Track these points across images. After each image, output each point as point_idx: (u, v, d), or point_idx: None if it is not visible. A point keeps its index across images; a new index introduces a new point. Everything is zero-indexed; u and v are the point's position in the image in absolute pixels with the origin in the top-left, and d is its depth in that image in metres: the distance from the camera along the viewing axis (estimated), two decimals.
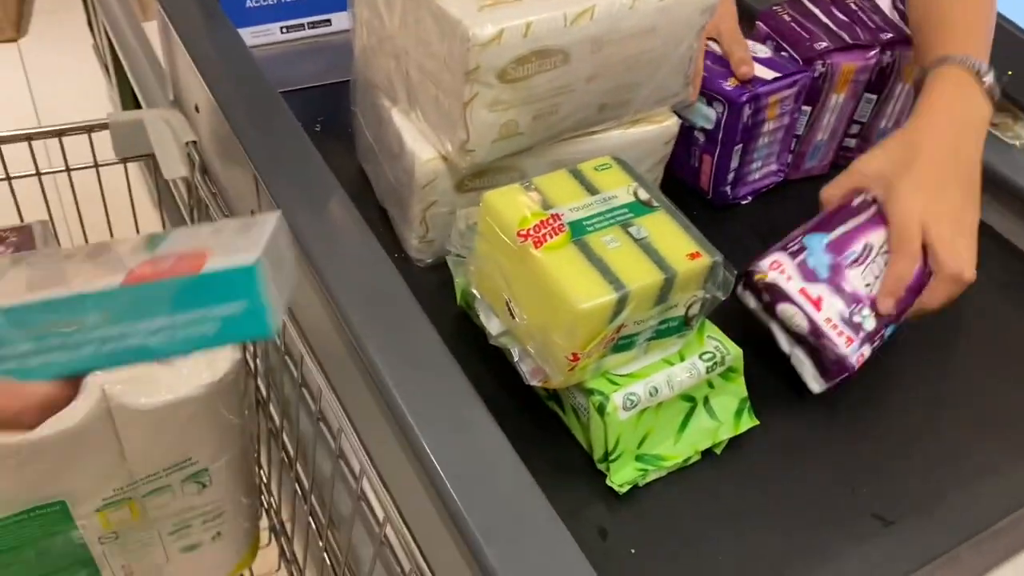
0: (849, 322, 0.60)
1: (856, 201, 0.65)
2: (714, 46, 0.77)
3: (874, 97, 0.81)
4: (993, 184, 0.79)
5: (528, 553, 0.46)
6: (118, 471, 0.60)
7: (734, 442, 0.60)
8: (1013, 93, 0.84)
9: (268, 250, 0.32)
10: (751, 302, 0.64)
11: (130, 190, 0.90)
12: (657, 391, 0.55)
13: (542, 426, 0.60)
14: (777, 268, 0.62)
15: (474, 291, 0.59)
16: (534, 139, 0.63)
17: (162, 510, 0.65)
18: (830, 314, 0.60)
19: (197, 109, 0.80)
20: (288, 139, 0.68)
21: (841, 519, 0.57)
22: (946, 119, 0.66)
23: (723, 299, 0.56)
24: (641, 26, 0.60)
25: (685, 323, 0.56)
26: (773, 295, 0.62)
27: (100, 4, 1.14)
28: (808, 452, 0.61)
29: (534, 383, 0.56)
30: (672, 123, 0.70)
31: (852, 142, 0.84)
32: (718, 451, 0.60)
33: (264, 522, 0.82)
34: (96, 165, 0.84)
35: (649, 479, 0.58)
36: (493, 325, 0.58)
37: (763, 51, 0.77)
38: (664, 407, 0.57)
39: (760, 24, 0.83)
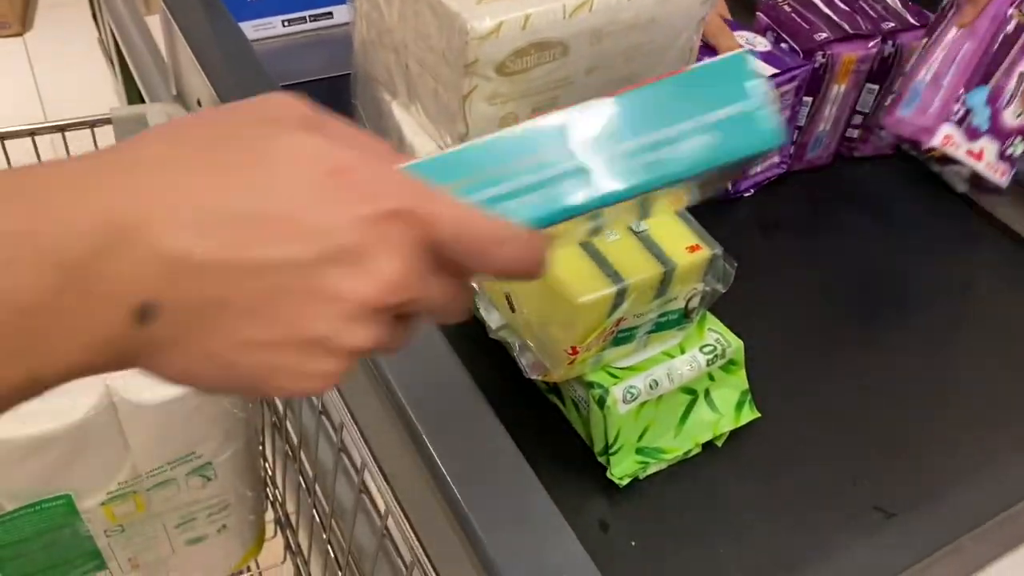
0: (1003, 156, 0.68)
1: (1010, 27, 0.69)
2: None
3: (876, 87, 0.80)
4: None
5: (528, 546, 0.46)
6: (123, 465, 0.61)
7: (735, 435, 0.60)
8: None
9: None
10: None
11: None
12: (657, 384, 0.56)
13: (542, 419, 0.60)
14: (948, 143, 0.68)
15: (474, 284, 0.59)
16: None
17: (167, 503, 0.66)
18: (989, 159, 0.69)
19: (199, 103, 0.80)
20: None
21: (843, 511, 0.57)
22: None
23: (723, 291, 0.56)
24: (640, 17, 0.60)
25: (685, 316, 0.56)
26: (941, 160, 0.72)
27: None
28: (809, 444, 0.61)
29: (534, 376, 0.56)
30: None
31: (856, 132, 0.84)
32: (719, 443, 0.60)
33: (269, 514, 0.83)
34: None
35: (650, 472, 0.58)
36: (493, 319, 0.58)
37: (763, 44, 0.77)
38: (664, 400, 0.57)
39: (760, 15, 0.82)
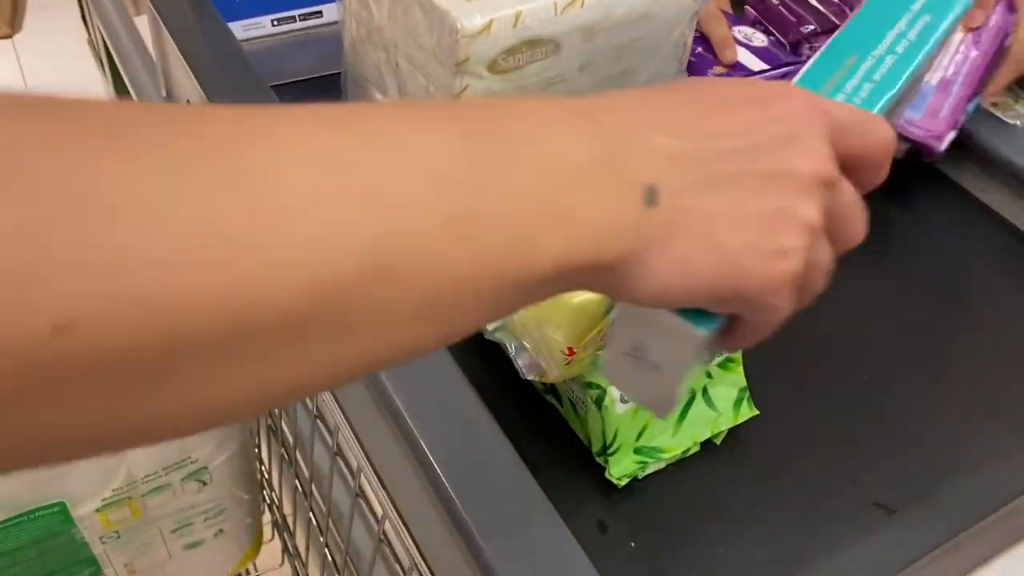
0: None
1: (1008, 41, 0.73)
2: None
3: None
4: (993, 165, 0.78)
5: (526, 548, 0.46)
6: (117, 471, 0.60)
7: (734, 432, 0.60)
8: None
9: None
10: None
11: None
12: None
13: (539, 420, 0.60)
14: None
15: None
16: None
17: (163, 509, 0.66)
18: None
19: (189, 104, 0.79)
20: None
21: (843, 509, 0.57)
22: None
23: None
24: (633, 13, 0.59)
25: None
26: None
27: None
28: (808, 441, 0.61)
29: (531, 377, 0.56)
30: None
31: None
32: (717, 442, 0.60)
33: (267, 516, 0.82)
34: None
35: (648, 471, 0.57)
36: None
37: (760, 40, 0.76)
38: None
39: (748, 8, 0.82)
